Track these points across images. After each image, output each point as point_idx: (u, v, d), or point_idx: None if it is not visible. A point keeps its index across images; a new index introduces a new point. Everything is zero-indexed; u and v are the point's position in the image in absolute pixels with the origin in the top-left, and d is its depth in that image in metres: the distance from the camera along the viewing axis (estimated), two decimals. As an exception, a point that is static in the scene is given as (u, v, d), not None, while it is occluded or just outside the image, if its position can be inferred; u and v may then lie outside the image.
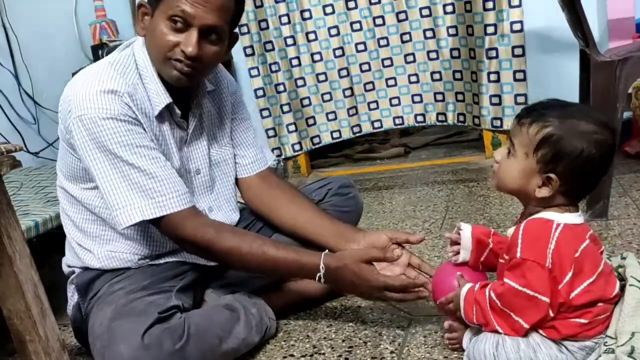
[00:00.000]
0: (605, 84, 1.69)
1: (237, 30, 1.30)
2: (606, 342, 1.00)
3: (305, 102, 2.88)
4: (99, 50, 2.50)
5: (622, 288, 1.06)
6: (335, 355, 1.25)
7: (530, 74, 2.44)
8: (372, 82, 2.80)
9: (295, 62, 2.83)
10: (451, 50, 2.62)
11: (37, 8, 2.53)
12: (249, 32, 2.81)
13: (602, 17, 2.41)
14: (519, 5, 2.38)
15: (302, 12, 2.75)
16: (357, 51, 2.76)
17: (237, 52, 2.82)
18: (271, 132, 2.92)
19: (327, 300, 1.49)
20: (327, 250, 1.27)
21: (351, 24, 2.73)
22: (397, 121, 2.84)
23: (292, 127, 2.90)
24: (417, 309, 1.39)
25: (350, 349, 1.27)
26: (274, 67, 2.84)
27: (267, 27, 2.80)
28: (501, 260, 1.06)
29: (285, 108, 2.87)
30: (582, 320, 0.99)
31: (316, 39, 2.78)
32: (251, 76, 2.86)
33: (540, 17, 2.40)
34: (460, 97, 2.67)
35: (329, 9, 2.73)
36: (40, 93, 2.40)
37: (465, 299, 1.07)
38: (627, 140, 2.38)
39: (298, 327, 1.40)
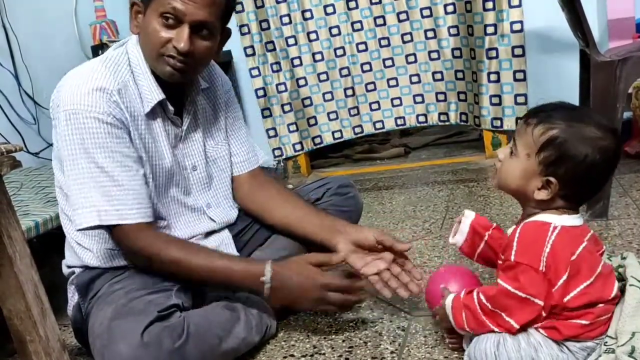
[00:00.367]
0: (605, 84, 1.69)
1: (229, 26, 1.31)
2: (606, 342, 1.00)
3: (307, 102, 2.88)
4: (99, 51, 2.50)
5: (623, 288, 1.06)
6: (335, 355, 1.25)
7: (530, 74, 2.44)
8: (374, 82, 2.80)
9: (296, 61, 2.83)
10: (452, 50, 2.62)
11: (37, 8, 2.53)
12: (249, 32, 2.81)
13: (602, 17, 2.41)
14: (519, 5, 2.38)
15: (303, 12, 2.76)
16: (358, 51, 2.77)
17: (237, 52, 2.82)
18: (272, 132, 2.92)
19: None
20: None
21: (352, 24, 2.74)
22: (399, 122, 2.84)
23: (293, 127, 2.90)
24: (417, 309, 1.39)
25: (350, 349, 1.27)
26: (275, 67, 2.84)
27: (269, 28, 2.80)
28: (499, 262, 1.06)
29: (287, 108, 2.87)
30: (583, 322, 0.99)
31: (317, 38, 2.78)
32: (252, 76, 2.86)
33: (540, 17, 2.40)
34: (462, 96, 2.67)
35: (330, 9, 2.74)
36: (40, 93, 2.40)
37: (453, 307, 1.07)
38: (627, 140, 2.38)
39: (298, 327, 1.40)
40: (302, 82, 2.85)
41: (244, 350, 1.27)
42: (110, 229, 1.24)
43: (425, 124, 2.86)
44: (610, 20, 2.39)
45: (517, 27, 2.40)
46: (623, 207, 1.85)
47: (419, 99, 2.78)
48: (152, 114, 1.27)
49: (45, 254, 1.61)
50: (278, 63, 2.84)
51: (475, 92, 2.58)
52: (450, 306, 1.08)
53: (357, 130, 2.89)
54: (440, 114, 2.77)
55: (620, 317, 1.00)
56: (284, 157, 2.95)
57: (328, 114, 2.88)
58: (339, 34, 2.76)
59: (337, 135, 2.91)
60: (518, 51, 2.42)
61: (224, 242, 1.43)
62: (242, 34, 2.81)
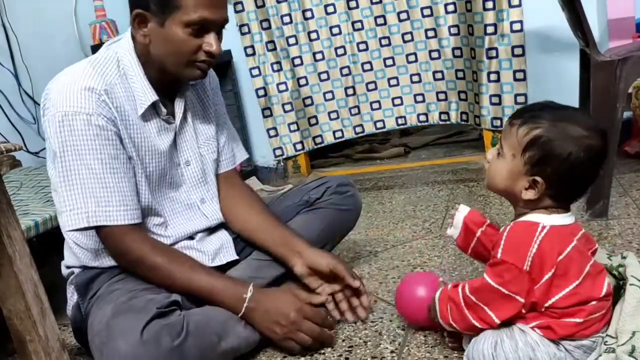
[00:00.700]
0: (605, 83, 1.68)
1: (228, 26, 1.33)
2: (606, 341, 1.00)
3: (308, 101, 2.88)
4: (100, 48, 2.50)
5: (622, 287, 1.06)
6: (335, 355, 1.25)
7: (530, 74, 2.43)
8: (374, 82, 2.80)
9: (297, 61, 2.83)
10: (453, 49, 2.62)
11: (37, 8, 2.53)
12: (249, 32, 2.81)
13: (602, 16, 2.41)
14: (519, 5, 2.38)
15: (304, 11, 2.76)
16: (359, 50, 2.77)
17: (237, 52, 2.82)
18: (272, 132, 2.92)
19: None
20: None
21: (352, 23, 2.74)
22: (399, 121, 2.84)
23: (293, 127, 2.90)
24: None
25: (350, 349, 1.27)
26: (275, 67, 2.84)
27: (269, 27, 2.80)
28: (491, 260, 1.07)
29: (287, 107, 2.87)
30: (577, 320, 0.99)
31: (318, 38, 2.78)
32: (252, 76, 2.86)
33: (540, 16, 2.40)
34: (462, 96, 2.67)
35: (330, 9, 2.74)
36: (40, 93, 2.39)
37: (439, 300, 1.10)
38: (627, 140, 2.38)
39: (298, 327, 1.40)
40: (302, 81, 2.85)
41: (244, 349, 1.27)
42: (98, 231, 1.24)
43: (425, 123, 2.86)
44: (610, 20, 2.39)
45: (517, 26, 2.40)
46: (623, 206, 1.85)
47: (419, 98, 2.78)
48: (144, 115, 1.28)
49: (45, 253, 1.61)
50: (279, 62, 2.84)
51: (475, 92, 2.58)
52: (437, 299, 1.10)
53: (358, 129, 2.89)
54: (441, 113, 2.77)
55: (621, 317, 1.00)
56: (284, 156, 2.95)
57: (329, 113, 2.88)
58: (340, 33, 2.76)
59: (338, 134, 2.92)
60: (518, 51, 2.42)
61: (225, 245, 1.43)
62: (242, 34, 2.81)
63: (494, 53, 2.45)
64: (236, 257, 1.43)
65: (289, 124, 2.89)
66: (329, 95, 2.86)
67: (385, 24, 2.71)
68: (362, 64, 2.78)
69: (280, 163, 3.00)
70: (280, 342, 1.26)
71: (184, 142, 1.38)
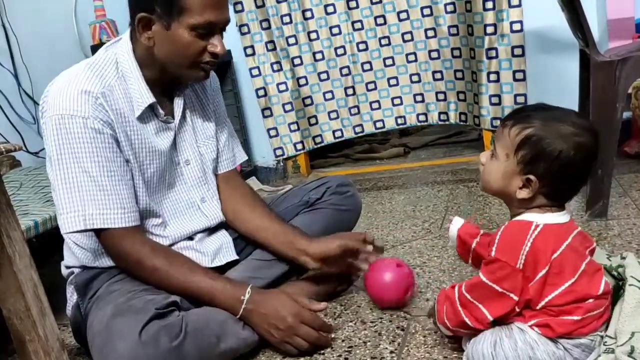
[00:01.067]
0: (605, 84, 1.69)
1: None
2: (606, 341, 1.00)
3: (308, 101, 2.88)
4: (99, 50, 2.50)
5: (622, 288, 1.06)
6: (335, 355, 1.25)
7: (529, 74, 2.44)
8: (374, 82, 2.80)
9: (297, 61, 2.83)
10: (452, 49, 2.62)
11: (36, 8, 2.53)
12: (249, 32, 2.81)
13: (602, 17, 2.42)
14: (519, 5, 2.38)
15: (303, 11, 2.76)
16: (359, 50, 2.77)
17: (237, 52, 2.82)
18: (273, 132, 2.92)
19: (327, 301, 1.48)
20: None
21: (352, 23, 2.74)
22: (399, 121, 2.84)
23: (294, 126, 2.90)
24: (417, 309, 1.39)
25: (349, 349, 1.27)
26: (275, 67, 2.84)
27: (269, 27, 2.80)
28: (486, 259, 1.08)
29: (287, 107, 2.87)
30: (575, 317, 0.99)
31: (318, 38, 2.79)
32: (252, 76, 2.86)
33: (540, 17, 2.40)
34: (461, 96, 2.67)
35: (330, 9, 2.74)
36: (40, 93, 2.38)
37: (438, 301, 1.12)
38: (627, 141, 2.38)
39: (298, 327, 1.40)
40: (302, 81, 2.86)
41: (243, 350, 1.27)
42: (97, 234, 1.24)
43: (425, 123, 2.86)
44: (610, 20, 2.39)
45: (516, 27, 2.40)
46: (622, 207, 1.85)
47: (419, 98, 2.78)
48: (142, 116, 1.28)
49: (45, 253, 1.62)
50: (279, 62, 2.84)
51: (474, 92, 2.58)
52: (437, 300, 1.13)
53: (358, 129, 2.90)
54: (440, 113, 2.77)
55: (620, 317, 1.00)
56: (285, 156, 2.95)
57: (329, 113, 2.89)
58: (340, 33, 2.76)
59: (337, 134, 2.92)
60: (518, 51, 2.42)
61: (224, 245, 1.43)
62: (242, 34, 2.81)
63: (493, 53, 2.45)
64: (236, 257, 1.43)
65: (289, 124, 2.89)
66: (328, 95, 2.86)
67: (385, 23, 2.71)
68: (362, 64, 2.79)
69: (280, 163, 3.00)
70: (277, 344, 1.26)
71: (183, 141, 1.38)
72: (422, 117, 2.81)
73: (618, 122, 1.70)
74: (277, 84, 2.85)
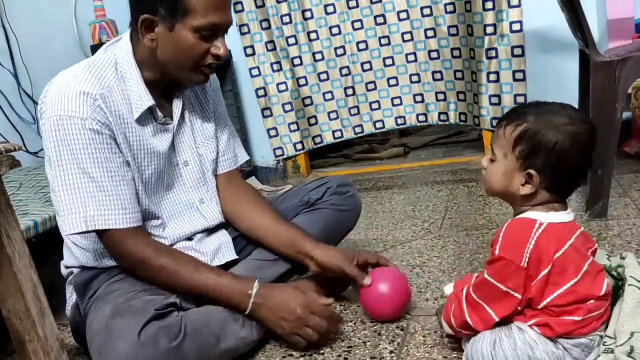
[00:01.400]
0: (605, 84, 1.69)
1: None
2: (605, 341, 1.00)
3: (307, 101, 2.88)
4: (98, 50, 2.50)
5: (621, 288, 1.06)
6: (334, 355, 1.25)
7: (529, 74, 2.44)
8: (374, 82, 2.80)
9: (297, 61, 2.83)
10: (452, 49, 2.62)
11: (36, 8, 2.53)
12: (249, 32, 2.81)
13: (602, 17, 2.42)
14: (519, 5, 2.38)
15: (303, 11, 2.76)
16: (359, 50, 2.77)
17: (237, 52, 2.82)
18: (272, 132, 2.92)
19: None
20: None
21: (352, 22, 2.74)
22: (399, 121, 2.84)
23: (293, 126, 2.90)
24: (416, 309, 1.39)
25: (349, 349, 1.27)
26: (275, 67, 2.84)
27: (269, 27, 2.80)
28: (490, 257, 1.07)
29: (287, 107, 2.87)
30: (575, 318, 0.99)
31: (317, 38, 2.78)
32: (252, 76, 2.86)
33: (540, 17, 2.40)
34: (461, 96, 2.67)
35: (330, 8, 2.74)
36: (39, 93, 2.39)
37: (449, 299, 1.12)
38: (627, 141, 2.38)
39: (297, 327, 1.40)
40: (302, 81, 2.86)
41: (242, 350, 1.27)
42: (100, 235, 1.24)
43: (425, 124, 2.86)
44: (609, 20, 2.39)
45: (516, 27, 2.40)
46: (622, 207, 1.85)
47: (418, 98, 2.78)
48: (140, 118, 1.28)
49: (44, 253, 1.62)
50: (278, 62, 2.84)
51: (474, 92, 2.58)
52: (448, 298, 1.13)
53: (358, 129, 2.89)
54: (440, 113, 2.77)
55: (619, 317, 1.00)
56: (285, 156, 2.95)
57: (328, 113, 2.88)
58: (339, 33, 2.76)
59: (337, 134, 2.92)
60: (517, 51, 2.42)
61: (224, 245, 1.43)
62: (242, 34, 2.81)
63: (493, 53, 2.45)
64: (235, 257, 1.43)
65: (289, 124, 2.89)
66: (328, 96, 2.86)
67: (384, 23, 2.71)
68: (362, 64, 2.78)
69: (279, 163, 3.00)
70: (286, 337, 1.26)
71: (182, 142, 1.38)
72: (421, 118, 2.81)
73: (618, 122, 1.70)
74: (277, 84, 2.85)
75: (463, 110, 2.69)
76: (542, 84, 2.48)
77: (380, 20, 2.71)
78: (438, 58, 2.67)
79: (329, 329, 1.26)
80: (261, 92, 2.87)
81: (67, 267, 1.37)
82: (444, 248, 1.75)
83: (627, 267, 1.09)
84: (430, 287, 1.50)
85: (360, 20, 2.73)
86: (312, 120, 2.91)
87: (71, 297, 1.34)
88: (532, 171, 1.00)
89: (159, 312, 1.15)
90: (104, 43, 2.53)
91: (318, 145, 2.96)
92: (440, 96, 2.74)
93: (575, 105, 1.92)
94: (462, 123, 2.73)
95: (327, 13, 2.75)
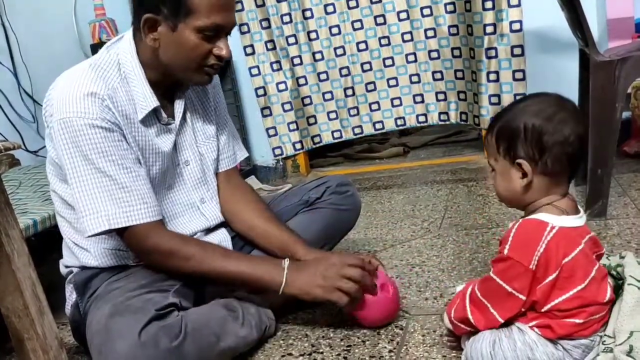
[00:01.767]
0: (605, 83, 1.69)
1: None
2: (604, 341, 1.00)
3: (307, 100, 2.88)
4: (99, 49, 2.50)
5: (621, 287, 1.06)
6: (333, 354, 1.25)
7: (529, 74, 2.43)
8: (374, 82, 2.80)
9: (296, 60, 2.83)
10: (452, 49, 2.62)
11: (36, 7, 2.54)
12: (249, 31, 2.81)
13: (602, 16, 2.42)
14: (518, 5, 2.38)
15: (303, 11, 2.75)
16: (359, 50, 2.76)
17: (237, 51, 2.82)
18: (272, 131, 2.92)
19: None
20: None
21: (352, 22, 2.73)
22: (399, 122, 2.84)
23: (293, 126, 2.90)
24: (415, 308, 1.39)
25: (348, 348, 1.27)
26: (275, 66, 2.84)
27: (269, 26, 2.80)
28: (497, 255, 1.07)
29: (287, 106, 2.87)
30: (577, 320, 0.99)
31: (317, 38, 2.78)
32: (252, 75, 2.86)
33: (540, 16, 2.40)
34: (462, 96, 2.67)
35: (330, 8, 2.73)
36: (39, 92, 2.41)
37: (456, 294, 1.12)
38: (626, 140, 2.38)
39: (297, 326, 1.40)
40: (302, 81, 2.85)
41: (242, 349, 1.27)
42: (121, 233, 1.23)
43: (425, 124, 2.85)
44: (609, 20, 2.39)
45: (516, 26, 2.40)
46: (622, 206, 1.85)
47: (418, 98, 2.77)
48: (144, 119, 1.27)
49: (44, 252, 1.62)
50: (278, 62, 2.84)
51: (474, 92, 2.58)
52: (454, 294, 1.13)
53: (357, 130, 2.89)
54: (440, 113, 2.76)
55: (619, 316, 1.00)
56: (284, 155, 2.95)
57: (328, 113, 2.88)
58: (339, 33, 2.76)
59: (336, 134, 2.91)
60: (517, 51, 2.42)
61: (223, 244, 1.42)
62: (242, 33, 2.81)
63: (493, 53, 2.45)
64: None
65: (288, 124, 2.89)
66: (328, 96, 2.86)
67: (384, 23, 2.71)
68: (362, 64, 2.78)
69: (279, 162, 3.00)
70: (326, 295, 1.24)
71: (183, 142, 1.38)
72: (421, 118, 2.81)
73: (617, 121, 1.70)
74: (277, 84, 2.85)
75: (464, 110, 2.69)
76: (542, 84, 2.45)
77: (380, 20, 2.71)
78: (438, 58, 2.67)
79: (365, 281, 1.26)
80: (261, 92, 2.87)
81: (66, 267, 1.37)
82: (443, 247, 1.75)
83: (626, 267, 1.09)
84: (430, 286, 1.50)
85: (360, 21, 2.72)
86: (312, 120, 2.91)
87: (71, 296, 1.34)
88: (519, 160, 1.00)
89: (159, 312, 1.15)
90: (104, 42, 2.55)
91: (317, 145, 2.96)
92: (441, 96, 2.73)
93: (579, 110, 1.92)
94: (463, 122, 2.73)
95: (327, 13, 2.74)
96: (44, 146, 1.86)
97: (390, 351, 1.23)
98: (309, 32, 2.78)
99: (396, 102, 2.81)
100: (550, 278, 0.98)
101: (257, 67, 2.85)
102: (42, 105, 1.26)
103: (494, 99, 2.51)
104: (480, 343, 1.03)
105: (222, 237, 1.43)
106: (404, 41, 2.71)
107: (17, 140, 2.26)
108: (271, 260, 1.30)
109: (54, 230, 1.44)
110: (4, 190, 0.93)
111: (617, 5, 2.37)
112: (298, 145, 2.92)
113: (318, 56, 2.81)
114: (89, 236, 1.21)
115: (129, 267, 1.31)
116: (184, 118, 1.37)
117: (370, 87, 2.81)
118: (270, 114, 2.90)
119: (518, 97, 1.10)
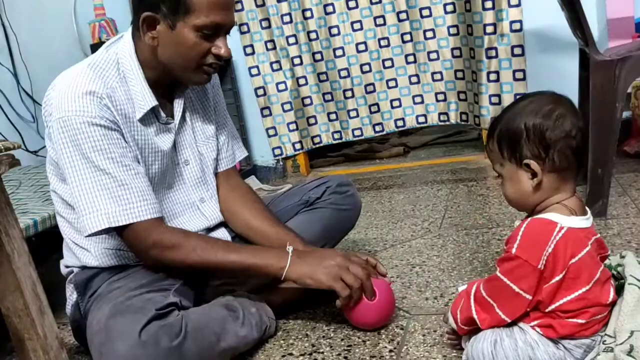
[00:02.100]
0: (605, 83, 1.69)
1: None
2: (605, 340, 1.00)
3: (307, 101, 2.88)
4: (99, 49, 2.50)
5: (622, 287, 1.06)
6: (334, 354, 1.25)
7: (529, 74, 2.44)
8: (373, 84, 2.79)
9: (297, 60, 2.83)
10: (452, 49, 2.62)
11: (36, 7, 2.53)
12: (249, 31, 2.81)
13: (602, 16, 2.42)
14: (518, 5, 2.38)
15: (303, 11, 2.75)
16: (358, 51, 2.76)
17: (237, 51, 2.82)
18: (271, 131, 2.92)
19: (326, 299, 1.49)
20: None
21: (352, 23, 2.73)
22: (398, 123, 2.83)
23: (293, 126, 2.90)
24: (416, 308, 1.39)
25: (349, 348, 1.27)
26: (275, 66, 2.84)
27: (269, 26, 2.79)
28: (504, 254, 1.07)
29: (287, 107, 2.87)
30: (580, 321, 0.99)
31: (317, 38, 2.78)
32: (251, 75, 2.86)
33: (540, 16, 2.40)
34: (462, 96, 2.67)
35: (329, 8, 2.73)
36: (39, 92, 2.40)
37: (459, 295, 1.11)
38: (626, 140, 2.38)
39: (297, 326, 1.40)
40: (302, 81, 2.85)
41: (242, 348, 1.27)
42: (120, 230, 1.23)
43: (424, 125, 2.85)
44: (609, 20, 2.39)
45: (516, 26, 2.40)
46: (622, 206, 1.85)
47: (418, 99, 2.77)
48: (143, 118, 1.27)
49: (44, 252, 1.62)
50: (278, 62, 2.84)
51: (475, 92, 2.58)
52: (458, 292, 1.12)
53: (357, 133, 2.88)
54: (440, 113, 2.76)
55: (619, 316, 1.00)
56: (283, 156, 2.95)
57: (328, 114, 2.88)
58: (338, 33, 2.75)
59: (336, 136, 2.91)
60: (517, 50, 2.42)
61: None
62: (242, 33, 2.81)
63: (493, 53, 2.45)
64: None
65: (287, 124, 2.89)
66: (328, 97, 2.85)
67: (384, 24, 2.70)
68: (361, 66, 2.77)
69: (279, 162, 3.00)
70: (330, 281, 1.23)
71: (183, 141, 1.38)
72: (421, 119, 2.80)
73: (618, 121, 1.70)
74: (277, 84, 2.85)
75: (464, 110, 2.69)
76: (542, 84, 2.44)
77: (380, 21, 2.70)
78: (438, 59, 2.67)
79: (369, 275, 1.26)
80: (260, 92, 2.87)
81: (67, 267, 1.37)
82: (443, 247, 1.75)
83: (626, 266, 1.09)
84: (430, 286, 1.50)
85: (360, 21, 2.72)
86: (312, 120, 2.91)
87: (71, 296, 1.34)
88: (527, 161, 1.00)
89: (159, 312, 1.15)
90: (103, 42, 2.55)
91: (317, 145, 2.96)
92: (440, 96, 2.73)
93: (575, 105, 1.92)
94: (463, 123, 2.73)
95: (326, 13, 2.74)
96: (44, 146, 1.86)
97: (390, 351, 1.23)
98: (308, 32, 2.78)
99: (395, 103, 2.80)
100: (557, 278, 0.97)
101: (257, 67, 2.85)
102: (42, 105, 1.25)
103: (495, 99, 2.51)
104: (482, 343, 1.03)
105: (222, 237, 1.43)
106: (403, 42, 2.70)
107: (17, 140, 2.26)
108: (274, 248, 1.31)
109: (55, 230, 1.44)
110: (5, 190, 0.93)
111: (617, 5, 2.37)
112: (297, 146, 2.92)
113: (318, 57, 2.80)
114: (88, 235, 1.21)
115: (129, 267, 1.31)
116: (183, 117, 1.37)
117: (370, 88, 2.80)
118: (270, 114, 2.90)
119: (518, 97, 1.08)
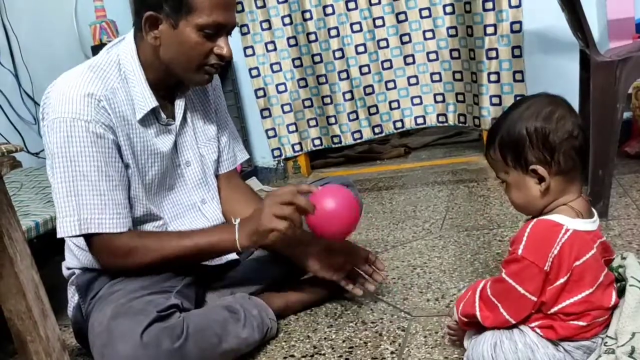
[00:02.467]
0: (605, 84, 1.69)
1: None
2: (606, 342, 1.00)
3: (307, 103, 2.88)
4: (99, 51, 2.49)
5: (623, 288, 1.06)
6: (335, 356, 1.25)
7: (529, 75, 2.44)
8: (372, 86, 2.79)
9: (297, 62, 2.83)
10: (451, 51, 2.62)
11: (37, 8, 2.54)
12: (249, 32, 2.81)
13: (602, 17, 2.42)
14: (519, 6, 2.38)
15: (303, 12, 2.75)
16: (357, 53, 2.76)
17: (237, 52, 2.82)
18: (271, 133, 2.92)
19: (328, 301, 1.49)
20: None
21: (351, 25, 2.73)
22: (397, 125, 2.83)
23: (292, 128, 2.90)
24: (417, 309, 1.39)
25: (350, 350, 1.27)
26: (275, 68, 2.84)
27: (270, 28, 2.80)
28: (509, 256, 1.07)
29: (286, 108, 2.87)
30: (581, 323, 0.99)
31: (316, 39, 2.78)
32: (252, 76, 2.86)
33: (540, 17, 2.40)
34: (460, 97, 2.67)
35: (329, 10, 2.73)
36: (40, 93, 2.39)
37: (466, 290, 1.11)
38: (627, 141, 2.38)
39: (298, 328, 1.40)
40: (302, 83, 2.85)
41: (244, 350, 1.27)
42: (88, 237, 1.23)
43: (423, 126, 2.85)
44: (610, 21, 2.40)
45: (516, 27, 2.40)
46: (623, 207, 1.85)
47: (416, 100, 2.77)
48: (143, 119, 1.28)
49: (46, 254, 1.62)
50: (278, 63, 2.84)
51: (474, 93, 2.58)
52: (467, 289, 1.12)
53: (356, 135, 2.88)
54: (438, 115, 2.76)
55: (620, 318, 1.00)
56: (283, 157, 2.95)
57: (327, 117, 2.88)
58: (338, 35, 2.75)
59: (336, 139, 2.90)
60: (516, 52, 2.42)
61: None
62: (242, 34, 2.81)
63: (494, 54, 2.45)
64: (237, 257, 1.43)
65: (287, 125, 2.89)
66: (327, 100, 2.85)
67: (383, 25, 2.70)
68: (360, 67, 2.77)
69: (280, 164, 3.00)
70: (269, 225, 1.20)
71: (183, 142, 1.38)
72: (420, 120, 2.80)
73: (618, 122, 1.70)
74: (277, 85, 2.85)
75: (462, 112, 2.69)
76: (542, 85, 2.44)
77: (379, 22, 2.70)
78: (437, 60, 2.67)
79: (295, 194, 1.22)
80: (260, 93, 2.87)
81: (68, 269, 1.37)
82: (444, 248, 1.75)
83: (627, 268, 1.09)
84: (431, 287, 1.50)
85: (359, 23, 2.72)
86: (312, 122, 2.91)
87: (73, 298, 1.34)
88: (533, 166, 0.99)
89: (161, 314, 1.15)
90: (104, 43, 2.54)
91: (317, 148, 2.96)
92: (439, 98, 2.73)
93: (576, 105, 1.92)
94: (461, 124, 2.73)
95: (325, 15, 2.74)
96: (45, 149, 1.85)
97: (392, 352, 1.23)
98: (308, 34, 2.78)
99: (394, 104, 2.80)
100: (561, 281, 0.97)
101: (257, 68, 2.85)
102: (40, 104, 1.26)
103: (495, 100, 2.52)
104: (482, 345, 1.03)
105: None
106: (402, 43, 2.71)
107: (18, 142, 2.26)
108: (224, 225, 1.31)
109: (56, 232, 1.43)
110: (6, 192, 0.93)
111: (617, 6, 2.37)
112: (297, 147, 2.93)
113: (317, 59, 2.80)
114: (59, 237, 1.22)
115: (130, 269, 1.31)
116: (184, 119, 1.37)
117: (369, 90, 2.80)
118: (270, 116, 2.90)
119: (512, 103, 1.08)
